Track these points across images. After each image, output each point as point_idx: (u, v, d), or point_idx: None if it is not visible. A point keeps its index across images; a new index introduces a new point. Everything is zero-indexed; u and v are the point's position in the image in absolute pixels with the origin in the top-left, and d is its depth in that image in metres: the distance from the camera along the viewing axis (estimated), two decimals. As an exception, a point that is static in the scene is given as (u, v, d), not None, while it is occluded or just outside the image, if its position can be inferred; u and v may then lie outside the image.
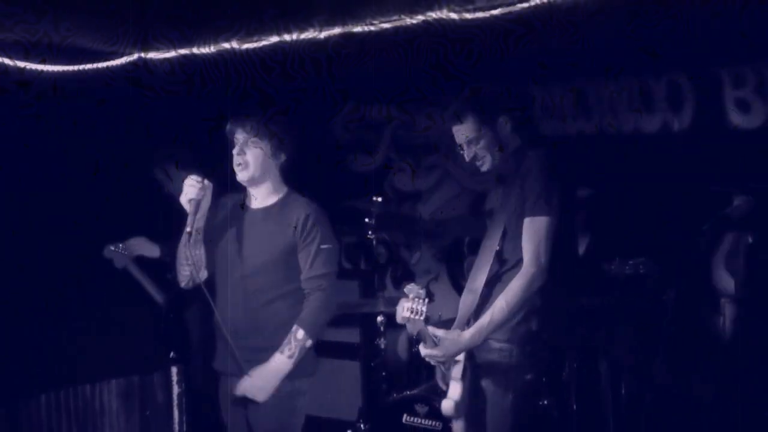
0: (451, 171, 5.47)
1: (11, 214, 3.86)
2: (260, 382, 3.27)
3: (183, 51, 4.74)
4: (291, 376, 3.32)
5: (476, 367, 3.32)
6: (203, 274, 3.42)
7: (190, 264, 3.30)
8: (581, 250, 4.33)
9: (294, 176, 3.42)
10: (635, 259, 4.02)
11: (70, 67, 4.47)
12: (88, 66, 4.57)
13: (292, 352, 3.27)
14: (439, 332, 3.24)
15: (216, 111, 4.98)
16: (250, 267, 3.33)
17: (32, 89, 4.18)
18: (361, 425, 4.67)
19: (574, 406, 3.95)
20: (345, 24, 4.23)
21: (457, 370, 3.29)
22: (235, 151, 3.32)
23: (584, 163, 4.55)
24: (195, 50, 4.67)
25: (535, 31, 3.99)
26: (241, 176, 3.35)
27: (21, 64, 4.21)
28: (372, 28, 4.20)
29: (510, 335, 3.21)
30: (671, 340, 3.93)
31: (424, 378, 4.49)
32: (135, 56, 4.84)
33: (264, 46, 4.49)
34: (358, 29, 4.24)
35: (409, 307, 3.13)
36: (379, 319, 4.39)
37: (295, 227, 3.28)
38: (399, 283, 5.68)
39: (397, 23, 4.13)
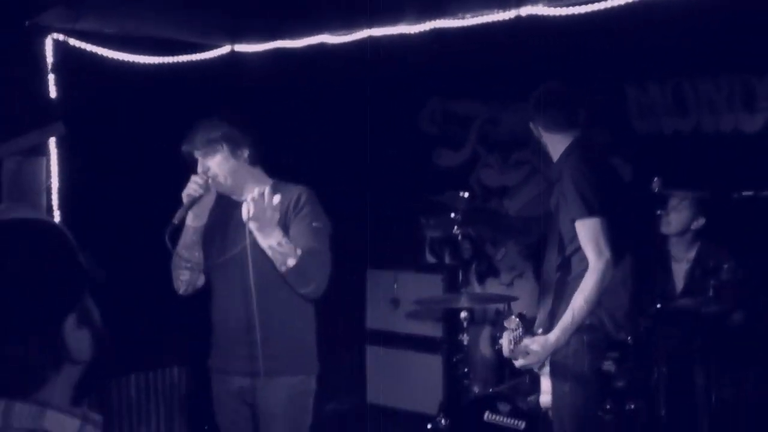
0: (539, 167, 5.39)
1: (113, 202, 3.95)
2: None
3: (274, 44, 4.80)
4: (302, 371, 3.25)
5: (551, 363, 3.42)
6: (201, 280, 3.31)
7: (189, 267, 3.22)
8: (674, 251, 4.24)
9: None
10: (730, 263, 3.88)
11: (164, 59, 4.58)
12: (181, 58, 4.67)
13: (281, 253, 3.03)
14: (527, 342, 3.33)
15: (305, 103, 5.08)
16: (244, 260, 3.12)
17: (127, 81, 4.29)
18: (442, 420, 4.65)
19: (663, 411, 3.84)
20: (435, 19, 4.20)
21: (546, 368, 3.41)
22: (199, 169, 3.15)
23: (680, 163, 4.44)
24: (286, 43, 4.72)
25: (632, 27, 3.89)
26: (219, 189, 3.19)
27: (116, 55, 4.33)
28: (462, 23, 4.16)
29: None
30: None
31: (507, 376, 4.44)
32: (227, 48, 4.93)
33: (353, 41, 4.50)
34: (448, 24, 4.21)
35: (511, 338, 3.28)
36: (463, 314, 4.35)
37: (287, 207, 3.12)
38: (483, 278, 5.64)
39: (488, 19, 4.08)
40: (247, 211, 2.95)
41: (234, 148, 3.13)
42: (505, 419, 4.12)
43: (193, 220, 3.19)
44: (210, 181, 3.13)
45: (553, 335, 3.27)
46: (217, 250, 3.23)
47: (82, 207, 4.05)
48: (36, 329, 1.18)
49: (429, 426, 4.66)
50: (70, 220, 4.07)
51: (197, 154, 3.15)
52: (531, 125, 3.54)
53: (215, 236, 3.25)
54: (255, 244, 3.07)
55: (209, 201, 3.19)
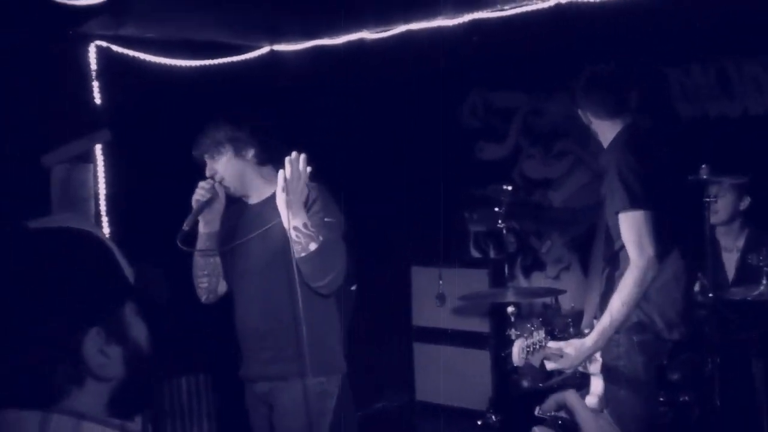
0: (582, 157, 5.32)
1: (159, 207, 3.97)
2: None
3: (313, 42, 4.81)
4: (321, 373, 3.09)
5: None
6: (222, 287, 3.29)
7: (207, 274, 3.21)
8: (725, 240, 4.15)
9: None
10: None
11: (205, 62, 4.61)
12: (222, 60, 4.70)
13: (305, 236, 2.95)
14: (561, 345, 3.21)
15: (346, 101, 5.07)
16: (255, 263, 3.11)
17: (170, 85, 4.33)
18: (492, 416, 4.63)
19: (718, 402, 3.76)
20: (473, 11, 4.17)
21: (595, 366, 3.29)
22: (207, 173, 3.14)
23: (726, 147, 4.35)
24: (325, 42, 4.72)
25: (673, 8, 3.81)
26: (228, 192, 3.17)
27: (158, 60, 4.37)
28: (501, 13, 4.13)
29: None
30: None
31: (556, 371, 4.39)
32: (266, 49, 4.95)
33: (392, 36, 4.49)
34: (486, 16, 4.17)
35: (524, 347, 3.11)
36: (510, 309, 4.32)
37: None
38: (529, 272, 5.59)
39: (527, 8, 4.04)
40: (283, 182, 2.91)
41: (238, 148, 3.09)
42: (555, 413, 4.07)
43: (204, 227, 3.18)
44: (217, 185, 3.11)
45: (590, 339, 3.14)
46: (231, 253, 3.19)
47: (129, 213, 4.10)
48: (54, 340, 1.16)
49: (479, 422, 4.64)
50: (118, 226, 4.13)
51: (206, 158, 3.14)
52: (579, 112, 3.40)
53: (230, 241, 3.21)
54: (266, 239, 3.03)
55: (219, 206, 3.17)
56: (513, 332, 4.20)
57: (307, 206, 3.01)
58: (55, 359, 1.16)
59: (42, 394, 1.17)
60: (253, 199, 3.20)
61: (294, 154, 2.93)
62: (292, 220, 2.92)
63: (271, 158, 3.11)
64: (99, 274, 1.21)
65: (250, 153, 3.10)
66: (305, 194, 2.97)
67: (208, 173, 3.13)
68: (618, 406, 3.28)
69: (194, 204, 3.10)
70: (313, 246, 2.93)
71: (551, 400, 1.10)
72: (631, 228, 3.08)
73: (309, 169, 2.96)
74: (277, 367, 3.10)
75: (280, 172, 2.94)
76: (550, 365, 3.25)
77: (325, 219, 3.03)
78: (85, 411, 1.18)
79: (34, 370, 1.16)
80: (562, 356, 3.18)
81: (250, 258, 3.12)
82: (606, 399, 3.37)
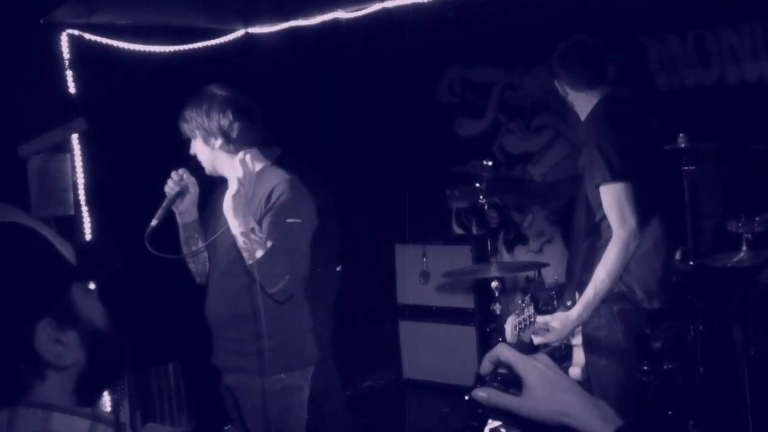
0: (561, 130, 5.34)
1: (138, 195, 3.95)
2: None
3: (287, 24, 4.77)
4: (282, 369, 3.00)
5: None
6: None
7: (193, 260, 3.19)
8: (704, 207, 4.17)
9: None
10: (763, 216, 3.81)
11: (179, 47, 4.57)
12: (196, 45, 4.66)
13: (253, 242, 2.85)
14: (547, 318, 3.25)
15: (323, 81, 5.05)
16: (223, 253, 3.04)
17: (145, 71, 4.29)
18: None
19: (701, 369, 3.81)
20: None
21: (578, 339, 3.31)
22: (191, 151, 3.09)
23: (703, 116, 4.37)
24: (299, 22, 4.69)
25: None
26: (210, 174, 3.13)
27: (132, 46, 4.33)
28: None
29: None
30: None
31: (540, 346, 4.42)
32: (241, 32, 4.92)
33: (368, 14, 4.46)
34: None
35: (516, 324, 3.13)
36: (494, 284, 4.34)
37: (260, 200, 2.94)
38: (512, 246, 5.62)
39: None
40: (236, 185, 2.85)
41: (206, 136, 3.00)
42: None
43: (180, 217, 3.12)
44: (186, 176, 3.04)
45: (575, 311, 3.18)
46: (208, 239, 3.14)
47: (109, 202, 4.07)
48: (4, 339, 1.14)
49: (467, 398, 4.67)
50: (98, 215, 4.11)
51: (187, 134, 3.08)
52: (556, 83, 3.41)
53: (209, 227, 3.17)
54: (230, 235, 2.93)
55: (192, 197, 3.09)
56: (497, 307, 4.22)
57: (270, 205, 2.92)
58: (11, 357, 1.14)
59: (4, 394, 1.15)
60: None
61: (241, 154, 2.88)
62: (239, 227, 2.85)
63: (242, 147, 2.99)
64: (37, 263, 1.18)
65: (218, 143, 2.99)
66: (259, 197, 2.91)
67: (191, 152, 3.09)
68: (599, 376, 3.34)
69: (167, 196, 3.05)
70: (259, 253, 2.83)
71: (485, 361, 1.10)
72: (612, 200, 3.11)
73: (259, 167, 2.92)
74: (237, 361, 3.05)
75: (232, 175, 2.89)
76: (537, 339, 3.27)
77: (288, 220, 2.89)
78: (52, 402, 1.17)
79: None
80: (548, 330, 3.22)
81: (217, 251, 3.09)
82: (587, 368, 3.41)
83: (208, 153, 3.03)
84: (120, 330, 1.27)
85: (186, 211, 3.12)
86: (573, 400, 1.05)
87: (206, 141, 3.00)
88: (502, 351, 1.10)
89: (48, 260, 1.19)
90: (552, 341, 3.27)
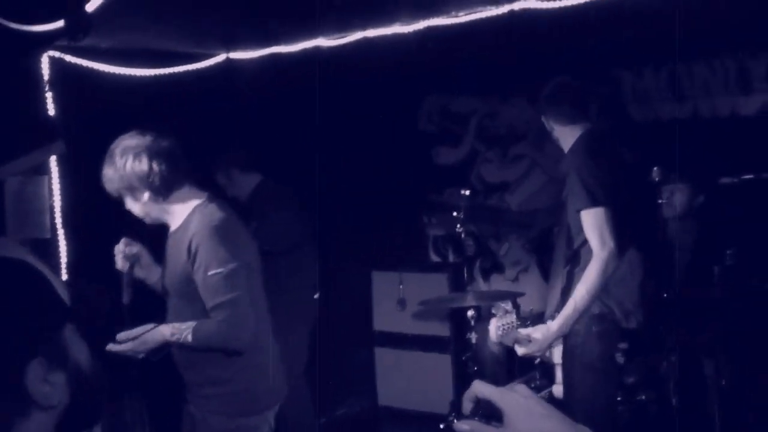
0: (538, 160, 5.39)
1: (115, 218, 3.94)
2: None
3: (269, 50, 4.80)
4: (237, 413, 2.91)
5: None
6: None
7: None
8: (678, 240, 4.23)
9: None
10: (732, 250, 3.87)
11: (161, 71, 4.58)
12: (177, 69, 4.68)
13: (174, 334, 2.82)
14: (529, 330, 3.45)
15: (302, 109, 5.07)
16: (173, 301, 2.97)
17: (125, 95, 4.28)
18: (454, 419, 4.64)
19: (674, 401, 3.84)
20: (429, 17, 4.21)
21: (558, 355, 3.54)
22: (126, 206, 2.99)
23: (678, 148, 4.43)
24: (281, 49, 4.72)
25: (624, 14, 3.89)
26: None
27: (113, 69, 4.33)
28: (456, 20, 4.16)
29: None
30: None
31: (517, 372, 4.44)
32: (222, 56, 4.94)
33: (349, 43, 4.51)
34: (442, 23, 4.21)
35: (500, 325, 3.40)
36: (470, 313, 4.35)
37: (184, 257, 2.82)
38: (488, 275, 5.64)
39: (482, 15, 4.09)
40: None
41: (131, 192, 2.86)
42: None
43: (147, 281, 3.08)
44: (127, 248, 2.97)
45: (555, 324, 3.35)
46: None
47: (85, 225, 4.05)
48: None
49: (441, 426, 4.66)
50: (74, 238, 4.08)
51: None
52: (543, 119, 3.62)
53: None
54: (172, 279, 2.91)
55: (146, 258, 3.04)
56: (473, 335, 4.25)
57: (191, 259, 2.79)
58: (1, 393, 1.13)
59: None
60: (173, 226, 2.98)
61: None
62: (158, 341, 2.84)
63: (171, 190, 2.88)
64: (35, 303, 1.17)
65: (145, 196, 2.86)
66: (183, 249, 2.82)
67: (126, 207, 2.98)
68: (573, 394, 3.46)
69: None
70: (189, 338, 2.78)
71: (465, 401, 1.12)
72: (593, 223, 3.28)
73: (188, 211, 2.88)
74: (197, 401, 2.97)
75: (172, 219, 2.90)
76: (520, 350, 3.44)
77: (209, 273, 2.75)
78: None
79: None
80: (530, 341, 3.39)
81: (168, 294, 3.00)
82: (564, 386, 3.51)
83: (140, 207, 2.90)
84: (102, 371, 1.27)
85: (148, 273, 3.06)
86: (554, 426, 1.06)
87: (134, 196, 2.88)
88: (479, 388, 1.11)
89: (47, 300, 1.19)
90: (534, 352, 3.44)
